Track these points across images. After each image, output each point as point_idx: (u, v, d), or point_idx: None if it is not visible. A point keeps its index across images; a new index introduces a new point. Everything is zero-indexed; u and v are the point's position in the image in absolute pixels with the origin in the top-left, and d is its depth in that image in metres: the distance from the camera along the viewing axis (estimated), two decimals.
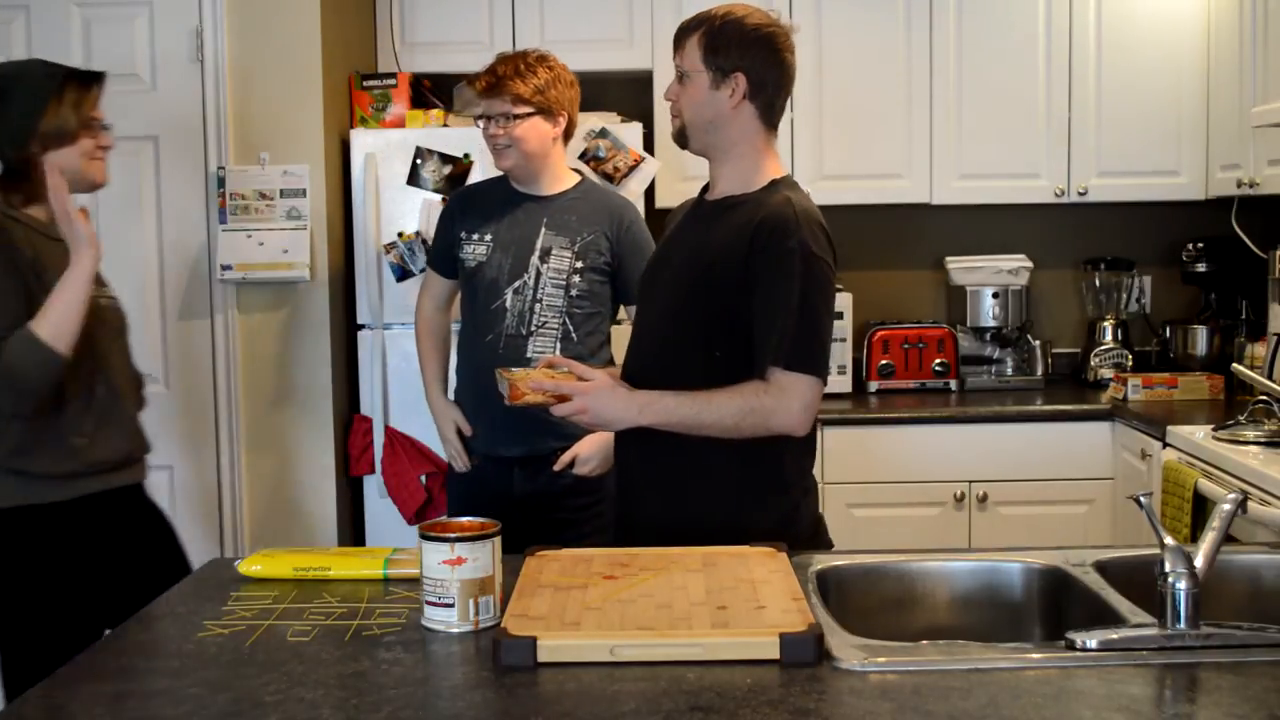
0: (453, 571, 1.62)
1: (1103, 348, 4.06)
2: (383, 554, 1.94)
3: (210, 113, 3.43)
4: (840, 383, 3.86)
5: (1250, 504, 2.57)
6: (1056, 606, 1.87)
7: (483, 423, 2.90)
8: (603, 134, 3.39)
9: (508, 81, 2.78)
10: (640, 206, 3.38)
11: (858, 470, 3.62)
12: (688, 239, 2.21)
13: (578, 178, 2.95)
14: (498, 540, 1.67)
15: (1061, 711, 1.35)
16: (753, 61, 2.11)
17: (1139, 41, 3.86)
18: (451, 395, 3.02)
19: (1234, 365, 3.22)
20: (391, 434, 3.47)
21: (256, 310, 3.50)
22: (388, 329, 3.51)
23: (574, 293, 2.84)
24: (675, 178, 3.79)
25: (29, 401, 2.19)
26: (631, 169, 3.39)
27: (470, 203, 2.96)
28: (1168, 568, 1.55)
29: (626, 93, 3.92)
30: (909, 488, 3.63)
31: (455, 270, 2.94)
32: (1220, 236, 3.91)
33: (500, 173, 2.92)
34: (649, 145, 3.65)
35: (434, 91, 3.80)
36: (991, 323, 4.06)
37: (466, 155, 3.41)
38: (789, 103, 2.22)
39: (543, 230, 2.85)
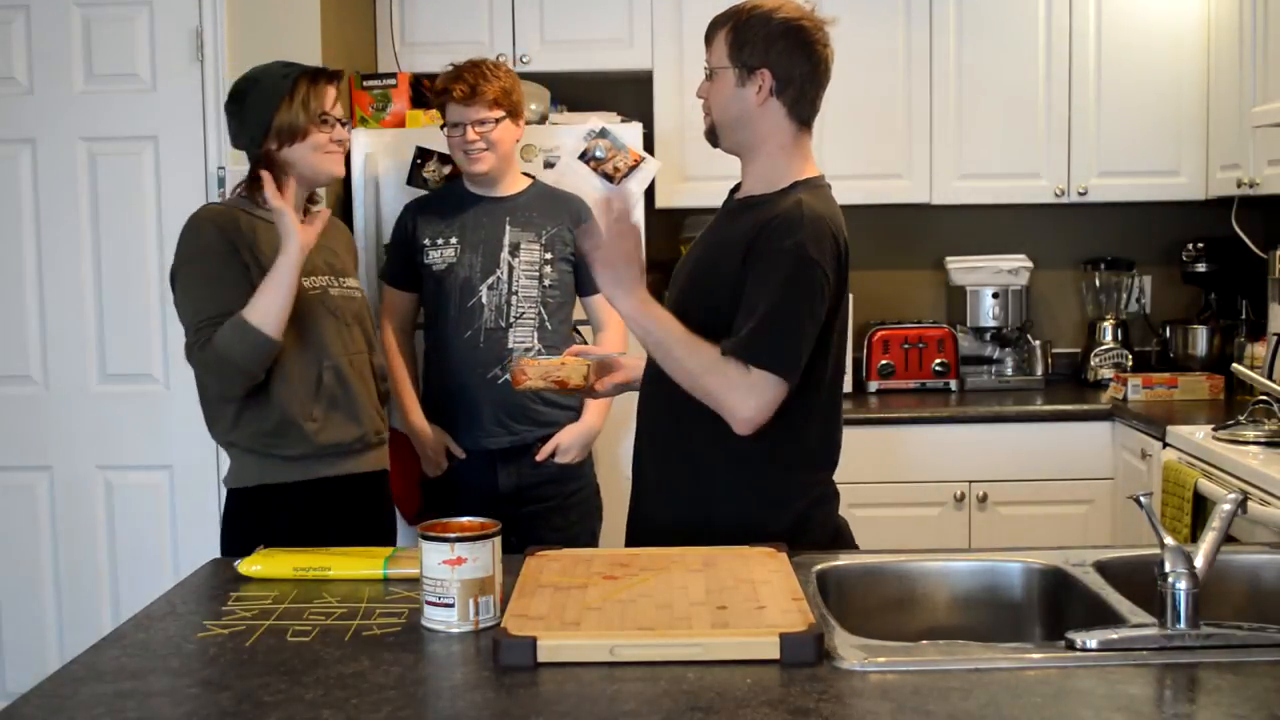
0: (453, 571, 1.62)
1: (1103, 348, 4.06)
2: (383, 554, 1.94)
3: (210, 113, 3.43)
4: (843, 386, 3.85)
5: (1250, 504, 2.57)
6: (1056, 606, 1.87)
7: (466, 417, 2.98)
8: (603, 134, 3.39)
9: (483, 86, 2.90)
10: (640, 207, 3.39)
11: (858, 470, 3.57)
12: (707, 237, 2.21)
13: (530, 179, 3.11)
14: (498, 540, 1.67)
15: (1061, 711, 1.35)
16: (778, 56, 2.06)
17: (1139, 41, 3.86)
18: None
19: (1234, 365, 3.22)
20: (392, 434, 3.46)
21: None
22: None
23: (546, 283, 2.99)
24: (675, 178, 3.79)
25: (238, 383, 2.37)
26: (631, 169, 3.39)
27: (427, 211, 3.09)
28: (1168, 568, 1.55)
29: (626, 93, 3.92)
30: (909, 488, 3.63)
31: (417, 282, 3.04)
32: (1220, 236, 3.91)
33: (434, 183, 3.09)
34: (649, 145, 3.65)
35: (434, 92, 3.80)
36: (991, 323, 4.06)
37: None
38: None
39: (507, 228, 2.99)
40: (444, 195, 3.14)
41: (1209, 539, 1.60)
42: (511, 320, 2.95)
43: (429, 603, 1.64)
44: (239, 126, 2.53)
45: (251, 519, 2.47)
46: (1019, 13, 3.87)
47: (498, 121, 2.94)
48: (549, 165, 3.37)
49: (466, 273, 2.96)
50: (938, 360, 3.97)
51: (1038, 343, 4.07)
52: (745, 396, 1.97)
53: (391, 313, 3.11)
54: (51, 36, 3.43)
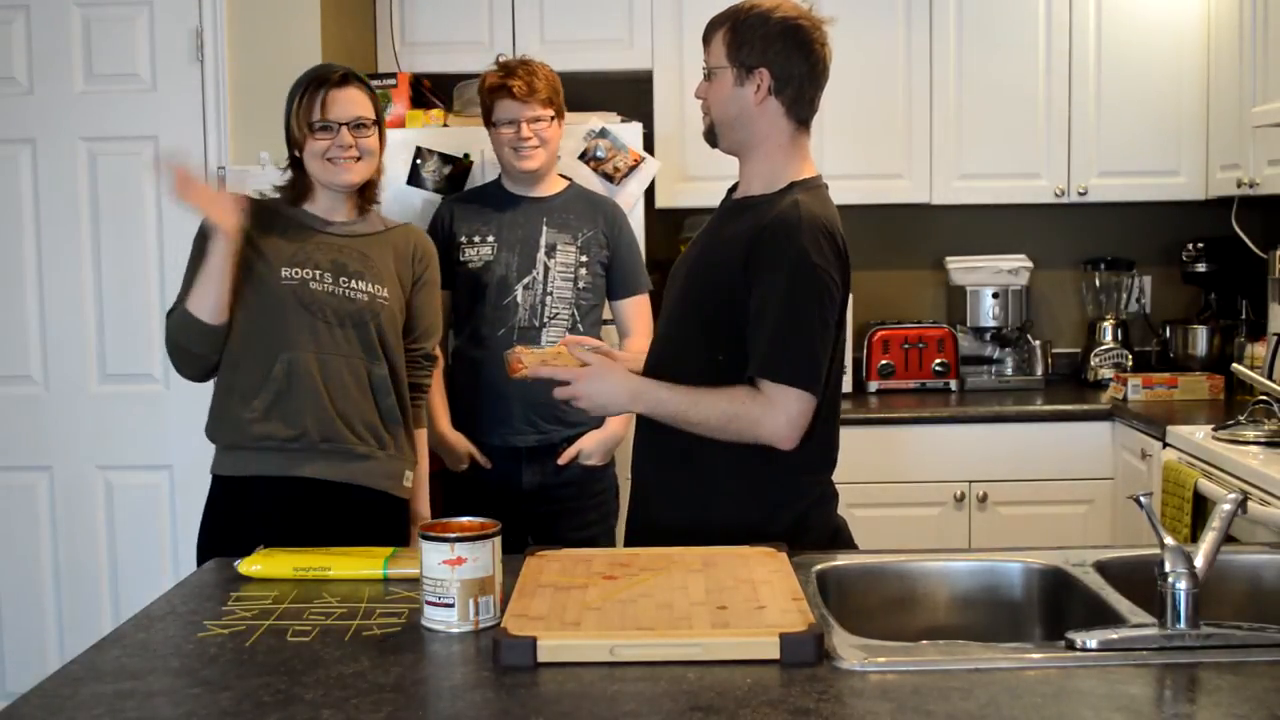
0: (453, 571, 1.62)
1: (1103, 348, 4.06)
2: (383, 554, 1.94)
3: (210, 113, 3.43)
4: (842, 386, 3.85)
5: (1250, 504, 2.57)
6: (1056, 606, 1.86)
7: (495, 415, 2.99)
8: (603, 134, 3.39)
9: (537, 83, 2.94)
10: (640, 207, 3.40)
11: (858, 470, 3.58)
12: (704, 238, 2.21)
13: (566, 181, 3.14)
14: (498, 540, 1.67)
15: (1061, 711, 1.35)
16: (776, 56, 2.07)
17: (1139, 41, 3.86)
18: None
19: (1234, 365, 3.22)
20: None
21: None
22: None
23: (581, 285, 3.02)
24: (675, 178, 3.79)
25: (186, 363, 2.47)
26: (631, 169, 3.39)
27: (465, 207, 3.09)
28: (1168, 568, 1.55)
29: (626, 93, 3.91)
30: (909, 488, 3.63)
31: (449, 279, 3.00)
32: (1220, 236, 3.91)
33: (491, 178, 3.07)
34: (649, 145, 3.65)
35: (434, 91, 3.80)
36: (991, 323, 4.06)
37: (466, 155, 3.41)
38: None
39: (544, 228, 3.01)
40: (481, 193, 3.15)
41: (1209, 539, 1.60)
42: (545, 320, 2.98)
43: (429, 603, 1.64)
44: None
45: (212, 509, 2.49)
46: (1019, 13, 3.87)
47: (551, 120, 2.98)
48: None
49: (503, 271, 2.98)
50: (938, 360, 3.97)
51: (1038, 343, 4.07)
52: (774, 421, 1.99)
53: None
54: (51, 36, 3.43)
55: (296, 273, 2.45)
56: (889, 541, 2.32)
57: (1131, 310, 4.19)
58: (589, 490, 3.03)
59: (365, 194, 2.59)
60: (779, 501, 2.09)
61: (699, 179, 3.74)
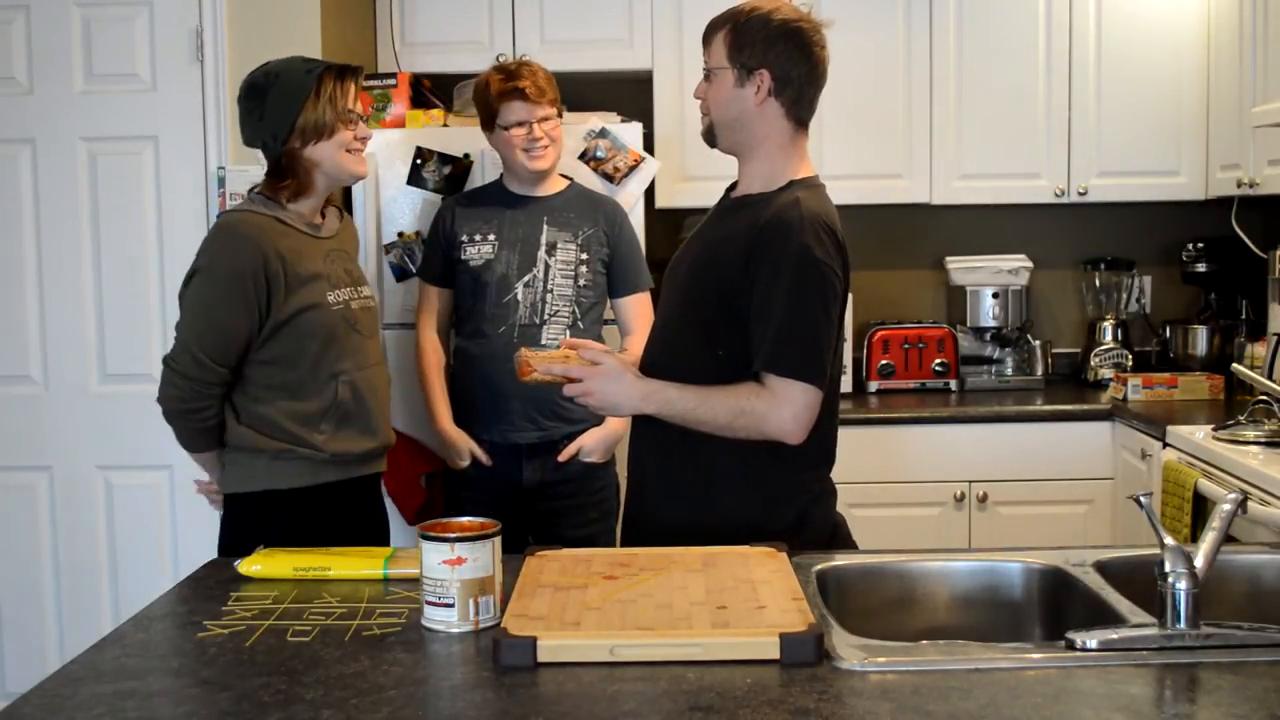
0: (453, 571, 1.62)
1: (1103, 348, 4.06)
2: (383, 554, 1.94)
3: (210, 113, 3.43)
4: (841, 383, 3.85)
5: (1250, 504, 2.57)
6: (1056, 606, 1.87)
7: (496, 411, 3.00)
8: (603, 134, 3.39)
9: (543, 84, 2.98)
10: (640, 207, 3.40)
11: (858, 470, 3.61)
12: (704, 234, 2.22)
13: (567, 180, 3.15)
14: (498, 540, 1.67)
15: (1061, 711, 1.35)
16: (777, 57, 2.08)
17: (1139, 41, 3.86)
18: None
19: (1234, 365, 3.22)
20: None
21: None
22: (387, 329, 3.50)
23: (581, 282, 3.03)
24: (675, 178, 3.79)
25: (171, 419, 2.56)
26: (631, 169, 3.39)
27: (467, 207, 3.11)
28: (1168, 568, 1.55)
29: (626, 93, 3.92)
30: (909, 488, 3.63)
31: (452, 277, 3.07)
32: (1220, 236, 3.91)
33: (493, 178, 3.09)
34: (649, 145, 3.65)
35: (434, 91, 3.80)
36: (991, 323, 4.06)
37: (466, 155, 3.41)
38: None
39: (545, 227, 3.03)
40: (482, 193, 3.16)
41: (1209, 539, 1.60)
42: (545, 318, 2.99)
43: (429, 603, 1.64)
44: (258, 123, 2.44)
45: (252, 523, 2.44)
46: (1019, 13, 3.87)
47: (557, 118, 3.02)
48: None
49: (504, 269, 3.00)
50: (938, 360, 3.97)
51: (1038, 343, 4.07)
52: (780, 415, 2.00)
53: (430, 310, 3.13)
54: (51, 36, 3.43)
55: (339, 295, 2.47)
56: (889, 541, 2.32)
57: (1131, 310, 4.19)
58: (589, 487, 3.04)
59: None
60: (779, 497, 2.10)
61: (699, 179, 3.74)
